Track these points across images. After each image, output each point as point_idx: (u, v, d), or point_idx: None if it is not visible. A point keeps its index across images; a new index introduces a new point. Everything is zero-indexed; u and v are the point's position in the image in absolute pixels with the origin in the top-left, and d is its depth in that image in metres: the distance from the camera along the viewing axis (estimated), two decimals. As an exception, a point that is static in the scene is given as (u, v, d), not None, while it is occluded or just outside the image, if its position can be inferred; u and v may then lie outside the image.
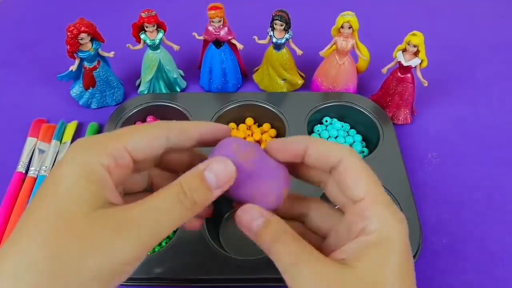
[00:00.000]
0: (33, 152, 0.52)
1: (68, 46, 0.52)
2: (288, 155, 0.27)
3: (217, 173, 0.24)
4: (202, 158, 0.28)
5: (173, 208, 0.23)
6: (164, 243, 0.43)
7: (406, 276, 0.23)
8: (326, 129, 0.55)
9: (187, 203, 0.23)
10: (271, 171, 0.26)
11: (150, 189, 0.30)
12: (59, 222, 0.21)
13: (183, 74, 0.63)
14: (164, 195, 0.23)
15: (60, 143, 0.53)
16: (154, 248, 0.42)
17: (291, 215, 0.29)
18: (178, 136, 0.26)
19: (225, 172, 0.24)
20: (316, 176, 0.28)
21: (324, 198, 0.29)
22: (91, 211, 0.21)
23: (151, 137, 0.25)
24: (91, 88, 0.57)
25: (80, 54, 0.53)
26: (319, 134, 0.54)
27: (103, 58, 0.56)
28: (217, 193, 0.24)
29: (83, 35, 0.51)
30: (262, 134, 0.54)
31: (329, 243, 0.27)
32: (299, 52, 0.57)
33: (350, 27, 0.52)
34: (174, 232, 0.42)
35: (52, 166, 0.51)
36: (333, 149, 0.26)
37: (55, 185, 0.22)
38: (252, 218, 0.25)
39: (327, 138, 0.53)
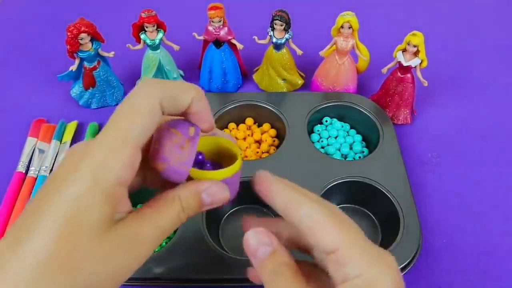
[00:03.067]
0: (33, 152, 0.52)
1: (68, 46, 0.52)
2: None
3: (214, 198, 0.26)
4: None
5: (174, 224, 0.25)
6: (164, 243, 0.43)
7: None
8: (326, 129, 0.55)
9: (183, 218, 0.26)
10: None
11: None
12: (69, 240, 0.21)
13: (183, 74, 0.63)
14: (167, 213, 0.25)
15: (60, 143, 0.53)
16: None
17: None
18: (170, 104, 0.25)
19: (221, 198, 0.27)
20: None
21: None
22: (103, 232, 0.22)
23: (146, 120, 0.23)
24: (91, 88, 0.57)
25: (80, 54, 0.53)
26: (319, 134, 0.54)
27: (103, 58, 0.56)
28: (205, 209, 0.27)
29: (83, 35, 0.51)
30: (262, 134, 0.54)
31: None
32: (299, 52, 0.57)
33: (350, 27, 0.52)
34: (174, 232, 0.42)
35: (52, 167, 0.51)
36: (296, 199, 0.25)
37: (69, 205, 0.21)
38: (260, 243, 0.26)
39: (327, 138, 0.53)
